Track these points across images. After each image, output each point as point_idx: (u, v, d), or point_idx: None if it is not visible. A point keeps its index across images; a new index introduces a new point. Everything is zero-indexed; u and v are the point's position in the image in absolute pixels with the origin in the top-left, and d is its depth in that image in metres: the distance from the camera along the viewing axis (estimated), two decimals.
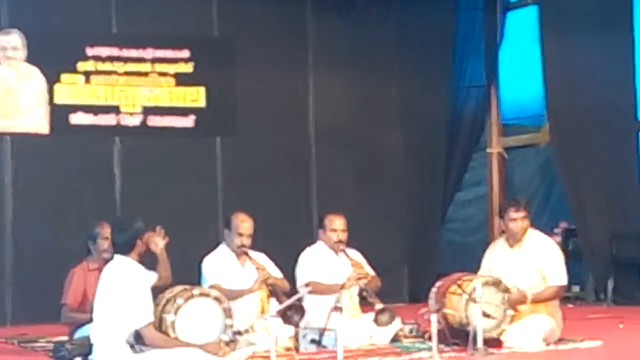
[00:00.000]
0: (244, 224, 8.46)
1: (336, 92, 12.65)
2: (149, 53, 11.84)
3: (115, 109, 11.65)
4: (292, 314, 7.77)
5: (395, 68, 12.90)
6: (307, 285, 8.35)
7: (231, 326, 7.40)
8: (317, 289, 8.38)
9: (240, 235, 8.43)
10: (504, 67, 13.47)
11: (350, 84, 12.70)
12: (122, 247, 7.11)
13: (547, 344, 7.94)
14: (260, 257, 8.56)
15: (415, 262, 12.63)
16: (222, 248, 8.57)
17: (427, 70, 12.84)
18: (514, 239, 8.35)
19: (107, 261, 7.44)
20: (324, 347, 7.93)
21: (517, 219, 8.26)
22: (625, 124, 11.83)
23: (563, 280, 8.25)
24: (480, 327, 7.53)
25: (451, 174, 13.09)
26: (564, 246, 11.73)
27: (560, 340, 8.12)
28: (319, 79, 12.59)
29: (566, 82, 11.85)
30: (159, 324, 7.15)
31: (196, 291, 7.40)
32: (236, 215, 8.56)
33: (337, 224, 8.78)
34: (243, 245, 8.42)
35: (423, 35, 12.81)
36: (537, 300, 8.12)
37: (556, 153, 12.20)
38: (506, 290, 7.94)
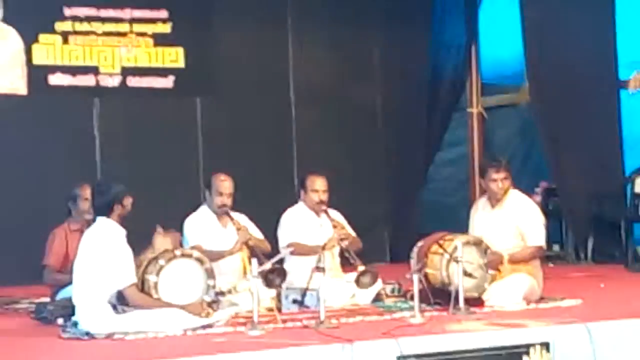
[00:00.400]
0: (224, 183, 8.46)
1: (316, 52, 12.60)
2: (127, 13, 11.76)
3: (94, 70, 11.58)
4: (274, 277, 7.76)
5: (375, 28, 12.86)
6: (288, 246, 8.35)
7: (213, 287, 7.41)
8: (299, 250, 8.38)
9: (221, 194, 8.42)
10: (484, 26, 13.44)
11: (330, 44, 12.65)
12: (101, 210, 7.16)
13: (528, 303, 7.98)
14: (242, 218, 8.56)
15: (396, 222, 12.65)
16: (204, 209, 8.57)
17: (407, 29, 12.79)
18: (495, 199, 8.36)
19: (88, 222, 7.46)
20: (306, 307, 7.96)
21: (497, 179, 8.26)
22: (606, 82, 11.81)
23: (541, 241, 8.27)
24: (462, 286, 7.56)
25: (432, 133, 13.09)
26: (544, 206, 11.75)
27: (540, 299, 8.16)
28: (299, 39, 12.53)
29: (546, 42, 11.82)
30: (142, 285, 7.17)
31: (178, 252, 7.41)
32: (216, 176, 8.56)
33: (318, 184, 8.77)
34: (224, 205, 8.42)
35: None
36: (514, 261, 8.15)
37: (536, 113, 12.20)
38: (487, 249, 7.97)
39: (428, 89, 12.98)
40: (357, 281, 8.14)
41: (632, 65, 12.13)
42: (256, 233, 8.50)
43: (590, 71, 11.65)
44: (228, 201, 8.43)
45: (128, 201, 7.17)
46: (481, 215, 8.44)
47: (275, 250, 8.42)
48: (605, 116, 11.75)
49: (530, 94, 12.24)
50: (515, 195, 8.37)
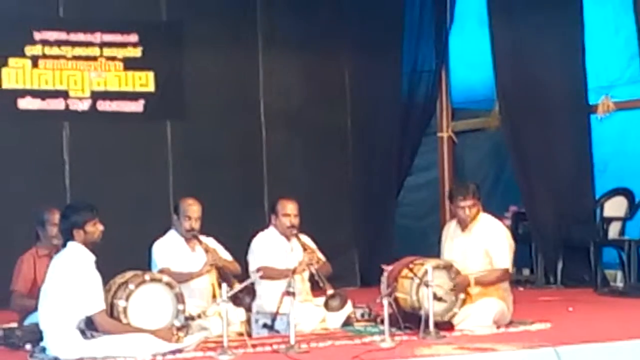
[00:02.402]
0: (192, 207, 8.47)
1: (286, 75, 12.60)
2: (97, 37, 11.72)
3: (63, 94, 11.53)
4: (243, 295, 7.78)
5: (346, 52, 12.86)
6: (258, 270, 8.34)
7: (183, 311, 7.38)
8: (269, 274, 8.38)
9: (189, 218, 8.42)
10: (454, 51, 13.50)
11: (300, 68, 12.66)
12: (64, 234, 7.12)
13: (498, 327, 8.01)
14: (210, 242, 8.55)
15: (366, 246, 12.64)
16: (172, 233, 8.56)
17: (378, 54, 12.82)
18: (463, 224, 8.40)
19: (57, 247, 7.41)
20: (276, 331, 7.93)
21: (464, 207, 8.32)
22: (576, 107, 11.87)
23: (506, 263, 8.29)
24: (432, 310, 7.58)
25: (402, 158, 13.09)
26: (514, 230, 11.83)
27: (510, 322, 8.19)
28: (269, 63, 12.52)
29: (516, 66, 11.87)
30: (111, 310, 7.14)
31: (147, 277, 7.39)
32: (184, 200, 8.58)
33: (289, 208, 8.77)
34: (192, 229, 8.41)
35: (373, 19, 12.79)
36: (481, 283, 8.18)
37: (506, 137, 12.23)
38: (457, 274, 7.99)
39: (399, 114, 13.00)
40: (326, 304, 8.13)
41: (600, 91, 12.21)
42: (225, 255, 8.49)
43: (560, 96, 11.72)
44: (196, 225, 8.43)
45: (93, 228, 7.10)
46: (451, 239, 8.47)
47: (245, 274, 8.40)
48: (575, 140, 11.80)
49: (501, 118, 12.29)
50: (485, 219, 8.42)
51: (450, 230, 8.55)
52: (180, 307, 7.36)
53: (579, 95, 11.87)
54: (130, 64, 11.81)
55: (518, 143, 11.92)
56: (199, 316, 7.79)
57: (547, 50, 11.69)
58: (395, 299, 7.94)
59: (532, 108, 11.72)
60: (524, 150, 11.84)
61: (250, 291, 7.85)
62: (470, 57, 13.36)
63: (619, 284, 11.34)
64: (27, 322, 7.96)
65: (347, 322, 8.44)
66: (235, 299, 7.56)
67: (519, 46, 11.81)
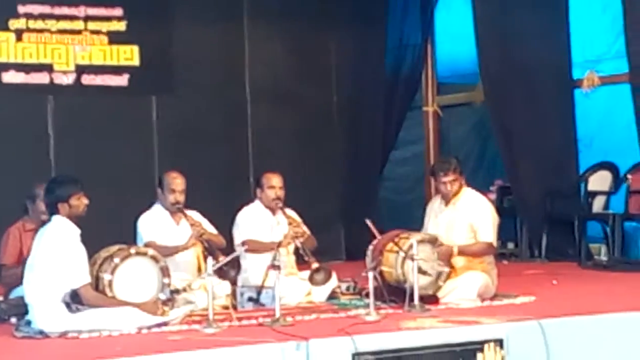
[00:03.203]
0: (175, 180, 8.48)
1: (272, 50, 12.58)
2: (81, 11, 11.66)
3: (48, 67, 11.48)
4: (228, 268, 7.78)
5: (331, 26, 12.85)
6: (243, 243, 8.35)
7: (168, 285, 7.40)
8: (254, 247, 8.40)
9: (173, 191, 8.43)
10: (441, 25, 13.49)
11: (286, 43, 12.64)
12: (49, 208, 7.12)
13: (482, 300, 8.04)
14: (195, 215, 8.55)
15: (352, 220, 12.64)
16: (157, 207, 8.57)
17: (363, 28, 12.81)
18: (446, 199, 8.43)
19: (43, 222, 7.39)
20: (261, 305, 7.97)
21: (446, 182, 8.34)
22: (560, 81, 11.87)
23: (490, 237, 8.32)
24: (417, 284, 7.60)
25: (387, 131, 13.09)
26: (498, 204, 11.86)
27: (495, 296, 8.22)
28: (255, 37, 12.50)
29: (499, 41, 11.83)
30: (96, 283, 7.16)
31: (133, 250, 7.40)
32: (168, 173, 8.61)
33: (274, 181, 8.79)
34: (177, 202, 8.42)
35: None
36: (464, 253, 8.21)
37: (490, 111, 12.23)
38: (437, 241, 8.03)
39: (384, 87, 12.99)
40: (311, 278, 8.16)
41: (586, 65, 12.22)
42: (210, 229, 8.49)
43: (544, 70, 11.71)
44: (181, 198, 8.43)
45: (78, 201, 7.10)
46: (435, 213, 8.50)
47: (230, 247, 8.42)
48: (559, 115, 11.81)
49: (484, 93, 12.29)
50: (469, 194, 8.44)
51: (435, 205, 8.58)
52: (166, 280, 7.38)
53: (563, 70, 11.88)
54: (114, 38, 11.77)
55: (502, 118, 11.92)
56: (185, 289, 7.80)
57: (531, 25, 11.66)
58: (381, 273, 7.97)
59: (516, 82, 11.72)
60: (508, 124, 11.85)
61: (235, 264, 7.87)
62: (456, 32, 13.35)
63: (603, 257, 11.37)
64: (12, 295, 7.96)
65: (333, 296, 8.47)
66: (221, 272, 7.57)
67: (502, 20, 11.78)
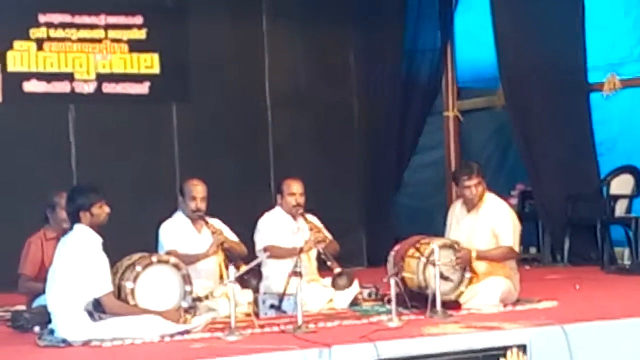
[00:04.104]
0: (197, 187, 8.47)
1: (291, 56, 12.61)
2: (102, 20, 11.72)
3: (69, 76, 11.54)
4: (250, 277, 7.77)
5: (351, 31, 12.88)
6: (265, 250, 8.36)
7: (191, 293, 7.41)
8: (276, 253, 8.40)
9: (194, 199, 8.42)
10: (461, 30, 13.48)
11: (305, 49, 12.66)
12: (71, 217, 7.13)
13: (505, 306, 8.02)
14: (216, 223, 8.55)
15: (373, 226, 12.65)
16: (179, 215, 8.57)
17: (382, 32, 12.82)
18: (470, 205, 8.40)
19: (65, 231, 7.41)
20: (283, 312, 7.95)
21: (470, 186, 8.32)
22: (577, 86, 11.86)
23: (510, 241, 8.28)
24: (439, 290, 7.58)
25: (406, 137, 13.08)
26: (520, 209, 11.84)
27: (517, 301, 8.20)
28: (274, 44, 12.53)
29: (518, 46, 11.82)
30: (118, 292, 7.17)
31: (155, 258, 7.41)
32: (189, 181, 8.60)
33: (295, 188, 8.78)
34: (198, 209, 8.41)
35: None
36: (484, 258, 8.17)
37: (511, 116, 12.21)
38: (456, 246, 8.00)
39: (402, 93, 12.98)
40: (334, 283, 8.15)
41: (607, 68, 12.18)
42: (231, 237, 8.50)
43: (561, 75, 11.69)
44: (202, 205, 8.43)
45: (100, 210, 7.11)
46: (457, 219, 8.48)
47: (252, 254, 8.42)
48: (577, 119, 11.78)
49: (505, 98, 12.27)
50: (491, 200, 8.41)
51: (456, 211, 8.56)
52: (188, 288, 7.39)
53: (579, 75, 11.86)
54: (135, 46, 11.81)
55: (522, 122, 11.90)
56: (207, 297, 7.82)
57: (549, 29, 11.67)
58: (403, 279, 7.95)
59: (535, 87, 11.71)
60: (528, 129, 11.83)
61: (257, 274, 7.85)
62: (476, 36, 13.33)
63: (626, 262, 11.34)
64: (35, 304, 7.98)
65: (355, 302, 8.45)
66: (242, 282, 7.57)
67: (520, 26, 11.78)
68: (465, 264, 8.00)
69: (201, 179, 8.60)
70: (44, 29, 11.45)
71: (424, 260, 7.85)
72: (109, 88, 11.68)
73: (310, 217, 8.84)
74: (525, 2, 11.73)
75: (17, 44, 11.33)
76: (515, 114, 12.01)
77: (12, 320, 7.90)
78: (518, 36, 11.80)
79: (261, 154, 12.32)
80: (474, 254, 8.11)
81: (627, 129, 12.30)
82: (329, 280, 8.33)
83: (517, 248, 8.43)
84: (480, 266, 8.17)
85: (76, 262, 6.96)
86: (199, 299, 7.65)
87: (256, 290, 8.13)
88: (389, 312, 7.39)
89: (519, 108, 11.92)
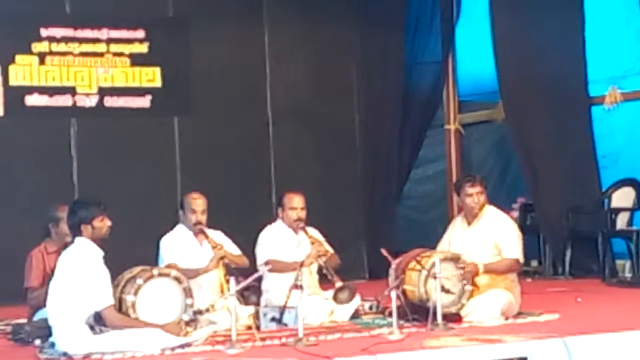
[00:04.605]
0: (196, 201, 8.48)
1: (293, 70, 12.64)
2: (103, 33, 11.76)
3: (71, 90, 11.57)
4: (249, 293, 7.79)
5: (352, 45, 12.91)
6: (266, 263, 8.35)
7: (191, 306, 7.40)
8: (277, 267, 8.39)
9: (194, 212, 8.43)
10: (462, 43, 13.50)
11: (306, 62, 12.69)
12: (72, 230, 7.14)
13: (506, 318, 8.01)
14: (218, 235, 8.56)
15: (373, 239, 12.65)
16: (180, 227, 8.57)
17: (383, 46, 12.85)
18: (471, 215, 8.41)
19: (66, 244, 7.41)
20: (284, 325, 7.95)
21: (473, 194, 8.33)
22: (577, 99, 11.88)
23: (517, 253, 8.30)
24: (440, 302, 7.58)
25: (405, 150, 13.10)
26: (521, 221, 11.84)
27: (518, 314, 8.19)
28: (276, 58, 12.56)
29: (517, 59, 11.85)
30: (119, 305, 7.15)
31: (156, 271, 7.41)
32: (188, 194, 8.61)
33: (296, 202, 8.78)
34: (199, 222, 8.42)
35: (379, 11, 12.80)
36: (490, 271, 8.18)
37: (510, 129, 12.25)
38: (461, 260, 8.00)
39: (402, 105, 12.99)
40: (335, 297, 8.14)
41: (609, 81, 12.19)
42: (233, 249, 8.50)
43: (562, 88, 11.73)
44: (202, 218, 8.44)
45: (101, 223, 7.12)
46: (458, 233, 8.48)
47: (253, 267, 8.42)
48: (578, 132, 11.81)
49: (504, 110, 12.29)
50: (491, 212, 8.42)
51: (456, 225, 8.56)
52: (189, 301, 7.38)
53: (580, 87, 11.89)
54: (137, 60, 11.85)
55: (522, 135, 11.93)
56: (207, 310, 7.80)
57: (548, 42, 11.72)
58: (403, 291, 7.95)
59: (535, 100, 11.73)
60: (528, 142, 11.85)
61: (256, 290, 7.87)
62: (477, 50, 13.36)
63: (627, 274, 11.35)
64: (36, 317, 7.99)
65: (356, 315, 8.45)
66: (242, 298, 7.57)
67: (520, 38, 11.82)
68: (470, 278, 8.00)
69: (202, 191, 8.61)
70: (45, 43, 11.49)
71: (424, 272, 7.85)
72: (110, 101, 11.71)
73: (311, 230, 8.84)
74: (524, 14, 11.76)
75: (19, 58, 11.38)
76: (515, 127, 12.04)
77: (13, 333, 7.91)
78: (517, 49, 11.83)
79: (262, 166, 12.33)
80: (480, 268, 8.11)
81: (631, 142, 12.31)
82: (329, 293, 8.32)
83: (522, 259, 8.43)
84: (481, 278, 8.17)
85: (77, 275, 6.96)
86: (200, 312, 7.63)
87: (256, 304, 8.12)
88: (390, 325, 7.39)
89: (518, 121, 11.95)
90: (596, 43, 12.02)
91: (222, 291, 8.12)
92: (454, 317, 7.85)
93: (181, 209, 8.57)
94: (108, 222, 7.17)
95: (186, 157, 11.97)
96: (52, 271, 7.37)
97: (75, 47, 11.61)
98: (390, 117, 12.86)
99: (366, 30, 12.86)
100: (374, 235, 12.63)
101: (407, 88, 13.16)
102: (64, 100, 11.54)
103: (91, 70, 11.68)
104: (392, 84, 12.91)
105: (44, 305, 7.76)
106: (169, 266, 7.98)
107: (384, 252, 7.96)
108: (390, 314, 7.48)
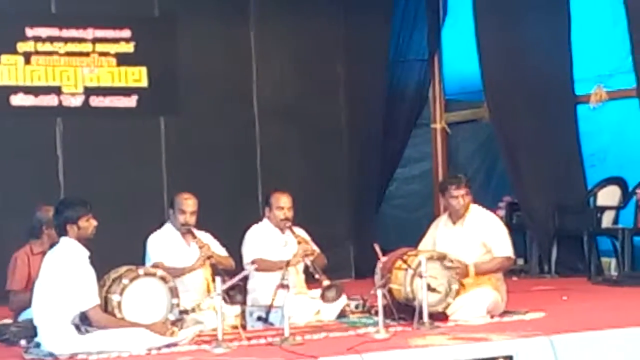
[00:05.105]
0: (187, 201, 8.48)
1: (279, 68, 12.62)
2: (89, 33, 11.73)
3: (56, 90, 11.54)
4: (235, 292, 7.78)
5: (338, 44, 12.90)
6: (252, 262, 8.35)
7: (177, 305, 7.40)
8: (263, 266, 8.39)
9: (183, 212, 8.43)
10: (448, 42, 13.50)
11: (293, 61, 12.68)
12: (57, 230, 7.13)
13: (492, 317, 8.02)
14: (205, 236, 8.55)
15: (359, 238, 12.65)
16: (167, 227, 8.57)
17: (367, 45, 12.83)
18: (456, 216, 8.42)
19: (52, 245, 7.40)
20: (270, 324, 7.95)
21: (458, 196, 8.34)
22: (563, 98, 11.88)
23: (508, 251, 8.33)
24: (426, 301, 7.59)
25: (390, 149, 13.09)
26: (507, 220, 11.83)
27: (504, 312, 8.20)
28: (262, 56, 12.54)
29: (502, 58, 11.83)
30: (105, 305, 7.15)
31: (141, 271, 7.40)
32: (179, 194, 8.60)
33: (282, 201, 8.79)
34: (187, 223, 8.42)
35: (365, 9, 12.79)
36: (482, 271, 8.19)
37: (495, 128, 12.24)
38: (451, 264, 8.00)
39: (386, 103, 12.98)
40: (323, 296, 8.15)
41: (597, 80, 12.20)
42: (220, 250, 8.50)
43: (547, 86, 11.72)
44: (191, 219, 8.43)
45: (87, 223, 7.10)
46: (443, 232, 8.49)
47: (239, 267, 8.42)
48: (563, 131, 11.82)
49: (489, 109, 12.30)
50: (477, 211, 8.44)
51: (441, 224, 8.57)
52: (175, 301, 7.38)
53: (565, 85, 11.89)
54: (123, 60, 11.82)
55: (507, 134, 11.93)
56: (194, 310, 7.81)
57: (534, 40, 11.73)
58: (390, 290, 7.95)
59: (520, 99, 11.74)
60: (513, 140, 11.86)
61: (242, 289, 7.87)
62: (463, 49, 13.34)
63: (613, 272, 11.37)
64: (21, 318, 7.97)
65: (342, 314, 8.46)
66: (228, 297, 7.57)
67: (505, 37, 11.81)
68: (461, 278, 8.01)
69: (189, 190, 8.60)
70: (31, 43, 11.45)
71: (411, 271, 7.86)
72: (96, 101, 11.68)
73: (297, 229, 8.84)
74: (509, 13, 11.75)
75: (4, 58, 11.33)
76: (500, 125, 12.04)
77: None
78: (502, 48, 11.83)
79: (249, 166, 12.32)
80: (471, 269, 8.12)
81: (618, 140, 12.33)
82: (316, 293, 8.33)
83: (513, 255, 8.45)
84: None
85: (62, 275, 6.95)
86: (186, 312, 7.63)
87: (242, 304, 8.12)
88: (376, 324, 7.40)
89: (503, 120, 11.96)
90: (583, 41, 12.03)
91: (208, 291, 8.12)
92: (440, 316, 7.86)
93: (171, 208, 8.57)
94: (94, 222, 7.16)
95: (172, 157, 11.95)
96: (37, 272, 7.34)
97: (61, 47, 11.58)
98: (376, 115, 12.84)
99: (352, 28, 12.85)
100: (360, 235, 12.62)
101: (392, 86, 13.16)
102: (50, 100, 11.50)
103: (77, 70, 11.64)
104: (378, 82, 12.88)
105: (26, 307, 7.76)
106: (155, 265, 7.99)
107: (376, 247, 7.96)
108: (376, 313, 7.49)
